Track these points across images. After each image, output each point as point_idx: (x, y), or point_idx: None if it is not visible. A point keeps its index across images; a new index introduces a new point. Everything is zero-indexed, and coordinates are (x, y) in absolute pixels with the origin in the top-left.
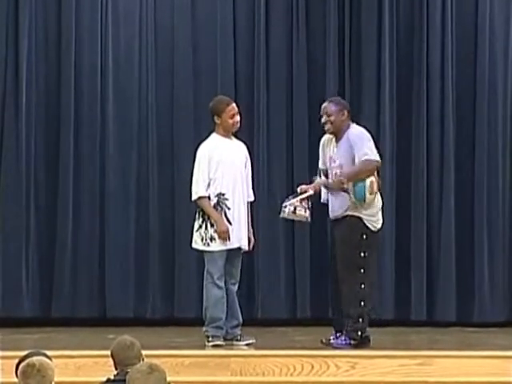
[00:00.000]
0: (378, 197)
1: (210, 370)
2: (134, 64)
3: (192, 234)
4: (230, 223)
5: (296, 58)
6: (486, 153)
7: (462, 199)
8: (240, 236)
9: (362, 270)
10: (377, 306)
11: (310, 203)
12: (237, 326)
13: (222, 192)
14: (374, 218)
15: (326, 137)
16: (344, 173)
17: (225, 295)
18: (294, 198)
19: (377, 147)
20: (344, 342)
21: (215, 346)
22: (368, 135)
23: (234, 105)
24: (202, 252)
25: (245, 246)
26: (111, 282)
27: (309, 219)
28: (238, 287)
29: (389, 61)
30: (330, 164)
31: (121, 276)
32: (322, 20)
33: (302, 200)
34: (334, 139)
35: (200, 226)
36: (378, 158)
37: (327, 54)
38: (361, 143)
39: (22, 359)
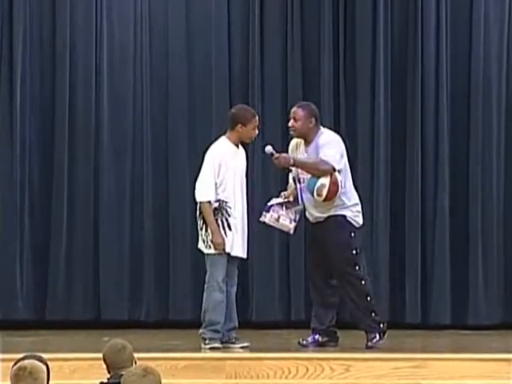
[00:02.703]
0: (354, 193)
1: (204, 372)
2: (129, 67)
3: (197, 235)
4: (230, 229)
5: (291, 60)
6: (481, 155)
7: (456, 202)
8: (240, 245)
9: (357, 267)
10: None
11: (297, 216)
12: (233, 328)
13: (226, 200)
14: (355, 214)
15: (294, 141)
16: (297, 157)
17: (225, 299)
18: (277, 205)
19: (371, 152)
20: (375, 341)
21: (213, 349)
22: (338, 142)
23: (257, 116)
24: (205, 254)
25: (243, 255)
26: (106, 285)
27: (291, 231)
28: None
29: (383, 63)
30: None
31: (115, 278)
32: (316, 21)
33: (288, 210)
34: (302, 144)
35: (201, 228)
36: (336, 165)
37: (322, 55)
38: (327, 147)
39: (17, 362)
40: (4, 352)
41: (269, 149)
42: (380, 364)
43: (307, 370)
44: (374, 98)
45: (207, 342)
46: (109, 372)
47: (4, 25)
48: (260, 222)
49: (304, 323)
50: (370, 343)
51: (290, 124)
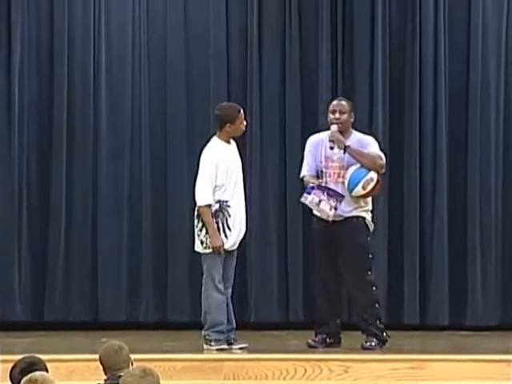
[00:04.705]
0: (369, 198)
1: (202, 373)
2: (127, 73)
3: (193, 237)
4: (230, 229)
5: (289, 60)
6: (479, 156)
7: (454, 203)
8: (238, 239)
9: (370, 272)
10: None
11: (338, 204)
12: (231, 329)
13: (226, 199)
14: (371, 218)
15: (315, 137)
16: (352, 145)
17: (225, 299)
18: (319, 189)
19: None
20: (374, 344)
21: (220, 350)
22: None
23: (242, 110)
24: (202, 255)
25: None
26: (104, 286)
27: (330, 218)
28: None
29: (381, 65)
30: (328, 164)
31: (113, 280)
32: (314, 25)
33: (329, 196)
34: (326, 141)
35: (200, 230)
36: (384, 164)
37: (320, 58)
38: (376, 146)
39: (16, 364)
40: (2, 353)
41: (335, 127)
42: (378, 365)
43: (305, 370)
44: (372, 100)
45: (213, 343)
46: (105, 374)
47: (1, 27)
48: (300, 202)
49: (302, 324)
50: (366, 344)
51: (336, 116)
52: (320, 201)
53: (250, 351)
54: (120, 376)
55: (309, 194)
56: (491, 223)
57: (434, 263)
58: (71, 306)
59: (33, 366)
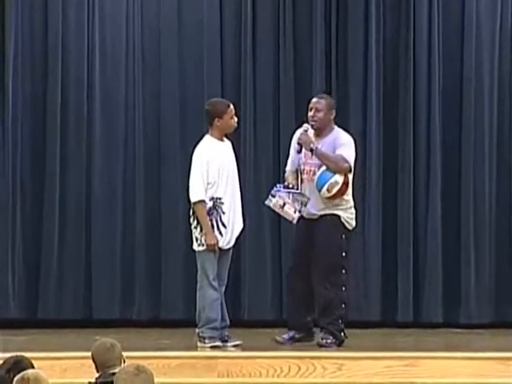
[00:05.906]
0: (351, 196)
1: (196, 371)
2: (121, 69)
3: (190, 235)
4: (225, 226)
5: (283, 60)
6: (473, 155)
7: (448, 200)
8: (232, 237)
9: (344, 271)
10: (363, 308)
11: (302, 207)
12: (225, 327)
13: (219, 196)
14: (350, 216)
15: (300, 132)
16: (320, 148)
17: (219, 296)
18: (284, 191)
19: (363, 150)
20: (329, 342)
21: (214, 348)
22: (354, 145)
23: (232, 105)
24: (196, 252)
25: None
26: (97, 284)
27: (294, 221)
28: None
29: (375, 65)
30: (307, 160)
31: (107, 277)
32: (308, 22)
33: (294, 199)
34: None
35: (195, 227)
36: (352, 167)
37: (314, 58)
38: (347, 146)
39: (1, 365)
40: None
41: (306, 126)
42: (372, 363)
43: (299, 368)
44: (366, 97)
45: (207, 341)
46: (97, 371)
47: None
48: (265, 204)
49: None
50: (322, 341)
51: (311, 114)
52: (284, 203)
53: (244, 349)
54: (112, 373)
55: (273, 196)
56: (485, 222)
57: (428, 261)
58: (65, 303)
59: (19, 363)
